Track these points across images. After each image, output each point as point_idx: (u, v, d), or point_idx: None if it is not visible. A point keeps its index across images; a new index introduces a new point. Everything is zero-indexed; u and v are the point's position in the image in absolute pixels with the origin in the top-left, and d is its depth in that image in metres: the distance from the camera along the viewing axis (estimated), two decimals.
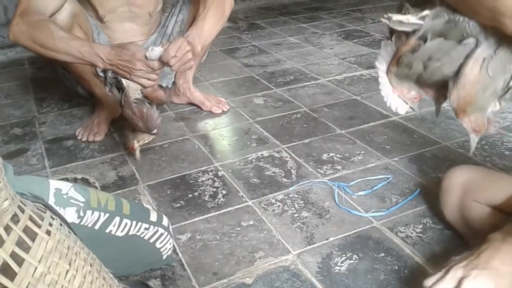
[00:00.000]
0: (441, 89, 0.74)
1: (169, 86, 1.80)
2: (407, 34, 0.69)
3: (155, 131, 1.34)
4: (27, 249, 0.51)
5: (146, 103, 1.34)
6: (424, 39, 0.66)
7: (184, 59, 1.29)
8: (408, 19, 0.66)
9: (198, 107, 1.79)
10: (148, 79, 1.29)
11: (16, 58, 2.43)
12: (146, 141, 1.40)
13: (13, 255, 0.49)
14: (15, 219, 0.52)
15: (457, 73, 0.66)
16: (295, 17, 3.09)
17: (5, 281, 0.47)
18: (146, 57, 1.25)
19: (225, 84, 2.04)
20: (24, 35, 1.29)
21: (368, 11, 3.17)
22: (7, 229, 0.50)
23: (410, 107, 0.77)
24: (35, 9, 1.31)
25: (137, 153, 1.39)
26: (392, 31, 0.71)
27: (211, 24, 1.42)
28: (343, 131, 1.59)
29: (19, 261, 0.50)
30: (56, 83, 1.91)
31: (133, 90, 1.33)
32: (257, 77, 2.09)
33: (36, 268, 0.51)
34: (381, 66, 0.74)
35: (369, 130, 1.59)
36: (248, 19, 3.05)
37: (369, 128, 1.61)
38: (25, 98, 1.95)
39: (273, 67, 2.20)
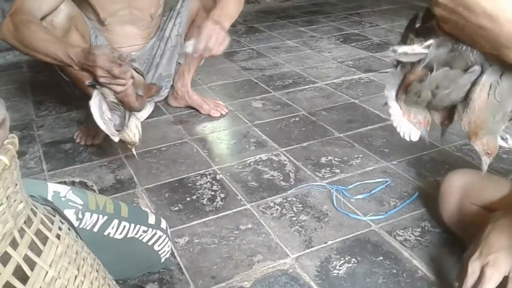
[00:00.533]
0: (447, 111, 0.75)
1: (167, 89, 1.80)
2: (412, 63, 0.70)
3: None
4: (38, 253, 0.51)
5: (120, 107, 1.33)
6: (430, 68, 0.67)
7: (219, 40, 1.33)
8: (413, 49, 0.68)
9: (197, 110, 1.79)
10: (119, 85, 1.26)
11: (14, 61, 2.43)
12: (131, 146, 1.37)
13: (26, 259, 0.49)
14: (28, 222, 0.51)
15: (466, 98, 0.67)
16: (293, 20, 3.10)
17: (18, 284, 0.47)
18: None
19: (223, 87, 2.04)
20: (11, 35, 1.29)
21: (366, 15, 3.18)
22: (21, 232, 0.50)
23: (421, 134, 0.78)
24: (27, 9, 1.31)
25: (133, 151, 1.38)
26: (398, 61, 0.72)
27: (232, 3, 1.46)
28: (341, 135, 1.59)
29: (31, 265, 0.49)
30: (54, 86, 1.90)
31: (108, 94, 1.30)
32: (255, 81, 2.09)
33: (47, 272, 0.51)
34: (390, 94, 0.75)
35: (368, 134, 1.59)
36: (246, 23, 3.06)
37: (367, 131, 1.61)
38: (23, 101, 1.95)
39: (271, 71, 2.20)
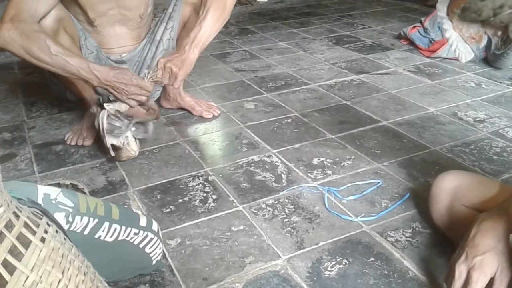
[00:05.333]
0: (502, 27, 0.76)
1: (158, 91, 1.80)
2: None
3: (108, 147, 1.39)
4: (19, 257, 0.50)
5: (123, 119, 1.41)
6: None
7: (170, 75, 1.41)
8: None
9: (189, 111, 1.78)
10: (136, 100, 1.39)
11: (5, 62, 2.41)
12: (131, 157, 1.44)
13: (5, 263, 0.48)
14: (9, 225, 0.51)
15: None
16: (286, 22, 3.11)
17: None
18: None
19: (216, 88, 2.04)
20: (16, 44, 1.28)
21: (359, 17, 3.20)
22: (0, 236, 0.49)
23: (472, 51, 0.78)
24: (26, 16, 1.30)
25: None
26: None
27: (209, 25, 1.45)
28: (333, 136, 1.59)
29: (11, 270, 0.49)
30: (46, 87, 1.89)
31: (121, 109, 1.39)
32: (248, 82, 2.09)
33: (27, 276, 0.50)
34: (441, 12, 0.75)
35: (359, 135, 1.60)
36: (239, 24, 3.06)
37: (359, 132, 1.62)
38: (14, 102, 1.94)
39: (264, 72, 2.21)
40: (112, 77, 1.33)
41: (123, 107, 1.39)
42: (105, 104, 1.37)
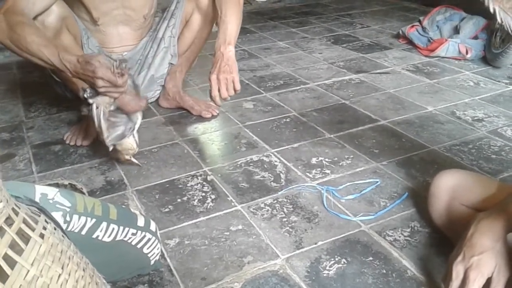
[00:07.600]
0: None
1: (158, 90, 1.80)
2: None
3: (108, 145, 1.32)
4: (20, 252, 0.51)
5: (120, 115, 1.34)
6: None
7: (229, 85, 1.40)
8: None
9: (188, 111, 1.78)
10: (109, 92, 1.27)
11: (4, 62, 2.41)
12: (129, 155, 1.38)
13: (6, 258, 0.49)
14: (9, 221, 0.51)
15: None
16: (284, 21, 3.10)
17: None
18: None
19: None
20: (5, 35, 1.28)
21: (357, 16, 3.20)
22: (1, 231, 0.49)
23: None
24: (20, 9, 1.29)
25: (133, 160, 1.39)
26: None
27: (232, 21, 1.45)
28: (332, 135, 1.59)
29: (12, 264, 0.49)
30: (45, 87, 1.89)
31: (104, 103, 1.30)
32: (246, 82, 2.09)
33: (28, 271, 0.51)
34: None
35: (358, 134, 1.60)
36: None
37: (357, 132, 1.62)
38: (12, 102, 1.94)
39: (262, 72, 2.21)
40: (80, 68, 1.23)
41: (106, 99, 1.29)
42: (89, 99, 1.28)
